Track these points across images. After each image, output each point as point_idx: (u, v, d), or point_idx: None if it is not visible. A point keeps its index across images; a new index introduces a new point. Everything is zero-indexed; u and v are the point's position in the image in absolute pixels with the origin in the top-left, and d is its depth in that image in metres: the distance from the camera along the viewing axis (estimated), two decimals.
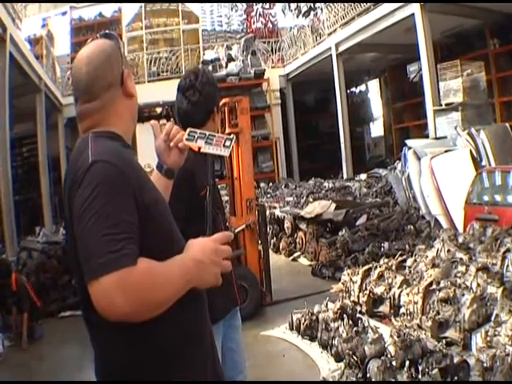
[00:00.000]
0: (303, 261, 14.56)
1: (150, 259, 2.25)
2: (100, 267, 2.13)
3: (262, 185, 25.21)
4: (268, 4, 36.63)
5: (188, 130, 2.99)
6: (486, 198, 12.30)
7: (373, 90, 36.43)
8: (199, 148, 3.00)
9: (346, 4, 23.56)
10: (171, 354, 2.45)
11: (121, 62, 2.65)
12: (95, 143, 2.44)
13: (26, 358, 9.84)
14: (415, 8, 17.77)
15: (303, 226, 14.96)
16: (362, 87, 37.37)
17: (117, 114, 2.62)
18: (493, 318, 6.74)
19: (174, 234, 2.58)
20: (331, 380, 6.52)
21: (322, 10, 27.41)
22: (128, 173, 2.33)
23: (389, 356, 6.11)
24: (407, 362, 5.85)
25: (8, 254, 15.64)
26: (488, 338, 6.38)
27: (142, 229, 2.31)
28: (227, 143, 3.03)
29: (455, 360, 5.83)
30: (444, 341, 6.73)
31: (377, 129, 36.10)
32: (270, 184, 25.97)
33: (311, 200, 17.24)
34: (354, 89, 36.83)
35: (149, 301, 2.19)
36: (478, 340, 6.56)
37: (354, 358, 6.37)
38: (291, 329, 8.81)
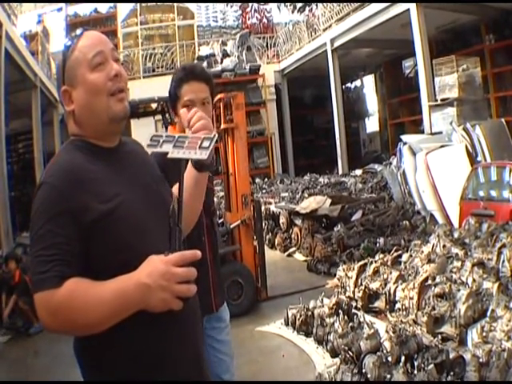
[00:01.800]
0: (298, 256, 14.59)
1: (84, 279, 2.24)
2: (33, 285, 2.25)
3: (257, 180, 25.26)
4: None
5: (151, 134, 2.54)
6: (481, 193, 12.32)
7: (368, 85, 36.53)
8: (166, 154, 2.45)
9: None
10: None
11: (71, 67, 2.56)
12: (54, 159, 2.52)
13: (22, 354, 9.87)
14: (410, 3, 17.76)
15: (298, 221, 14.99)
16: (358, 83, 37.45)
17: (79, 118, 2.58)
18: (488, 314, 6.73)
19: (135, 247, 2.40)
20: (327, 375, 6.50)
21: (317, 5, 27.36)
22: (69, 194, 2.31)
23: (384, 351, 6.11)
24: (403, 358, 5.86)
25: (3, 249, 15.59)
26: (484, 334, 6.38)
27: (87, 246, 2.32)
28: (205, 144, 2.45)
29: (451, 355, 5.83)
30: (440, 336, 6.72)
31: (372, 124, 36.20)
32: (266, 180, 26.06)
33: (306, 195, 17.28)
34: (349, 84, 36.87)
35: (72, 322, 2.21)
36: (473, 335, 6.55)
37: (350, 353, 6.36)
38: (287, 324, 8.80)
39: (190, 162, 2.84)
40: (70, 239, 2.26)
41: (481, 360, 5.72)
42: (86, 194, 2.34)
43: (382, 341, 6.35)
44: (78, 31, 2.63)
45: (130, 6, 35.41)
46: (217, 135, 2.52)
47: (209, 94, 4.15)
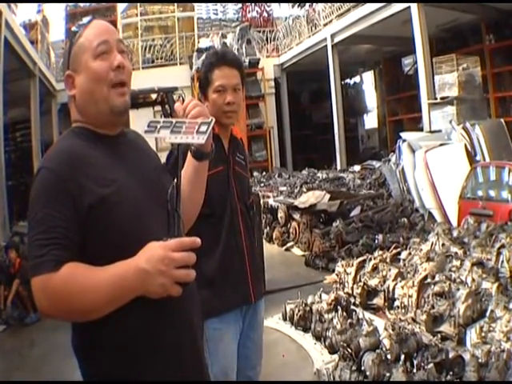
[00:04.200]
0: (296, 251, 14.57)
1: (81, 264, 2.25)
2: (30, 269, 2.23)
3: (255, 174, 25.23)
4: None
5: (148, 120, 2.50)
6: (480, 193, 12.35)
7: (367, 81, 36.53)
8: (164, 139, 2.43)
9: None
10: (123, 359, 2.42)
11: (76, 53, 2.58)
12: (53, 146, 2.54)
13: (18, 344, 9.86)
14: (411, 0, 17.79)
15: (297, 216, 14.96)
16: (357, 79, 37.41)
17: (79, 104, 2.61)
18: (488, 314, 6.74)
19: (132, 233, 2.41)
20: (325, 371, 6.50)
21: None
22: (68, 178, 2.33)
23: (384, 349, 6.11)
24: (402, 356, 5.85)
25: (0, 238, 15.58)
26: (483, 334, 6.38)
27: (84, 231, 2.33)
28: (202, 128, 2.42)
29: (450, 355, 5.83)
30: (439, 335, 6.73)
31: (370, 121, 36.19)
32: (264, 173, 26.00)
33: (305, 190, 17.23)
34: (348, 80, 36.83)
35: (69, 307, 2.21)
36: (472, 335, 6.56)
37: (349, 350, 6.37)
38: (284, 319, 8.75)
39: (190, 152, 2.82)
40: (67, 223, 2.27)
41: (480, 360, 5.72)
42: (84, 178, 2.36)
43: (381, 338, 6.36)
44: (86, 19, 2.65)
45: None
46: (214, 120, 2.49)
47: (240, 80, 4.09)
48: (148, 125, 2.46)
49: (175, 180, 2.36)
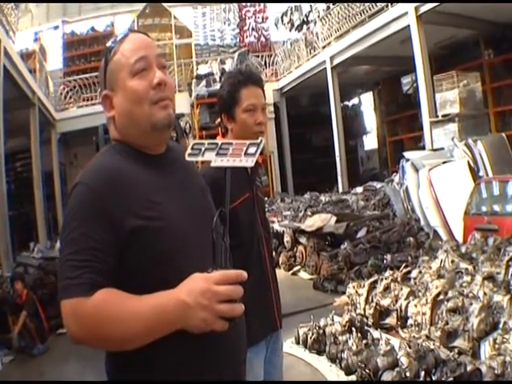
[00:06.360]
0: (303, 275, 14.59)
1: (117, 291, 2.12)
2: (60, 291, 2.12)
3: None
4: (261, 18, 36.74)
5: (192, 142, 2.31)
6: (484, 208, 12.40)
7: (366, 102, 36.49)
8: (209, 163, 2.27)
9: (341, 16, 23.55)
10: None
11: (112, 70, 2.46)
12: (91, 161, 2.39)
13: (25, 375, 9.77)
14: (411, 19, 17.79)
15: (303, 239, 14.97)
16: (355, 100, 37.40)
17: (119, 125, 2.47)
18: (500, 326, 6.74)
19: (176, 262, 2.27)
20: None
21: (315, 23, 27.39)
22: (107, 197, 2.20)
23: (402, 367, 6.06)
24: (422, 373, 5.81)
25: (4, 269, 15.50)
26: (496, 346, 6.39)
27: (122, 257, 2.20)
28: (251, 150, 2.26)
29: (468, 368, 5.81)
30: (456, 350, 6.70)
31: (370, 142, 36.13)
32: (266, 198, 25.90)
33: (310, 214, 17.23)
34: (346, 102, 36.79)
35: (102, 335, 2.08)
36: (486, 348, 6.56)
37: (367, 370, 6.32)
38: (297, 343, 8.74)
39: None
40: (104, 245, 2.14)
41: (496, 371, 5.71)
42: (126, 199, 2.23)
43: (398, 357, 6.31)
44: (123, 32, 2.53)
45: (128, 24, 35.40)
46: (263, 141, 2.35)
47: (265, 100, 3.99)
48: (192, 147, 2.31)
49: (221, 207, 2.22)
